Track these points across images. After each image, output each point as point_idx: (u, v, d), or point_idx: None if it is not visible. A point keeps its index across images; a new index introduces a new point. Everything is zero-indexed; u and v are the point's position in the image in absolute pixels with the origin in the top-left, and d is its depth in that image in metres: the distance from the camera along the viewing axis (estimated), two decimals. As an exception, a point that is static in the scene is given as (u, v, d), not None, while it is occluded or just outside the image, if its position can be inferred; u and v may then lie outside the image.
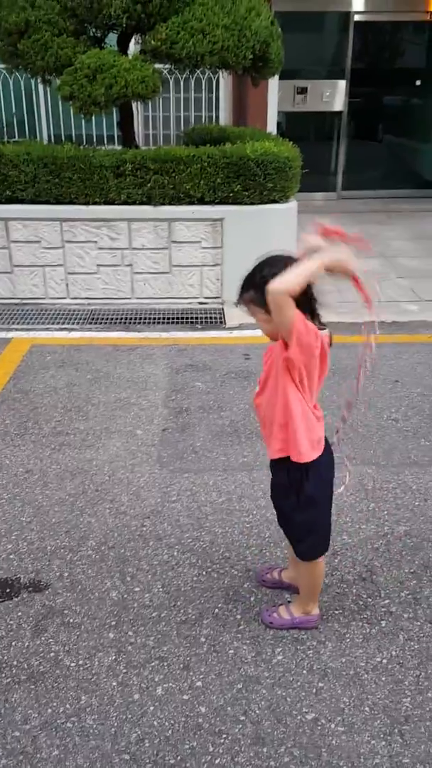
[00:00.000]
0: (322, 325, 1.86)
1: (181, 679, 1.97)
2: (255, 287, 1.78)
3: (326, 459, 1.95)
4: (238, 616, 2.20)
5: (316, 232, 1.77)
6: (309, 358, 1.80)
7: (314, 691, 1.95)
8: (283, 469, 1.94)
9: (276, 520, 2.14)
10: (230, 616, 2.20)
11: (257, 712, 1.88)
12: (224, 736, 1.82)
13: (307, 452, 1.88)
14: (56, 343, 4.55)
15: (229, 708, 1.89)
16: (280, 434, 1.89)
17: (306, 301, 1.78)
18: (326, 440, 1.97)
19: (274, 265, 1.76)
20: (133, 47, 5.49)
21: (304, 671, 2.01)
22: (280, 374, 1.86)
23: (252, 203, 5.05)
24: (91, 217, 5.08)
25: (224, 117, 8.29)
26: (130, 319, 5.03)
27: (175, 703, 1.90)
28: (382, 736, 1.82)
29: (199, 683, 1.96)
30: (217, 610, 2.22)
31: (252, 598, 2.27)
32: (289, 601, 2.22)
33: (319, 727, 1.84)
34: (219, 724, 1.85)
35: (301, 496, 1.93)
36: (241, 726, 1.84)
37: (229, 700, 1.91)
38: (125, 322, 4.96)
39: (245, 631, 2.14)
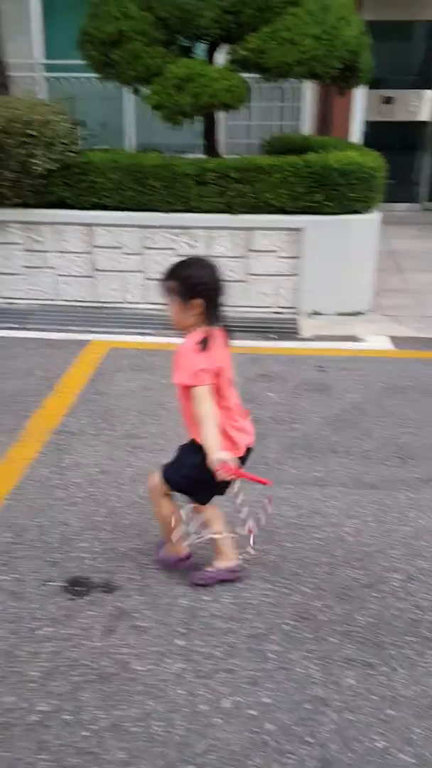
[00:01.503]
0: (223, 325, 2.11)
1: (249, 694, 1.96)
2: (178, 279, 2.04)
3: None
4: (308, 635, 2.16)
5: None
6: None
7: (384, 718, 1.89)
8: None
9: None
10: (299, 634, 2.16)
11: (325, 734, 1.84)
12: (290, 756, 1.78)
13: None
14: (132, 347, 4.63)
15: (296, 728, 1.86)
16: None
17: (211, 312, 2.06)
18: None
19: (204, 267, 2.06)
20: (220, 57, 5.55)
21: (375, 697, 1.95)
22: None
23: (333, 213, 5.00)
24: (171, 224, 5.16)
25: (307, 126, 8.26)
26: (205, 325, 5.06)
27: (242, 717, 1.89)
28: (455, 773, 1.74)
29: (266, 699, 1.94)
30: (286, 627, 2.19)
31: (323, 617, 2.22)
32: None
33: (388, 756, 1.78)
34: (285, 743, 1.82)
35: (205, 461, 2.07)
36: (308, 748, 1.80)
37: (297, 720, 1.88)
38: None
39: (315, 651, 2.10)
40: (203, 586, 2.34)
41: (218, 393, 2.11)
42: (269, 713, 1.90)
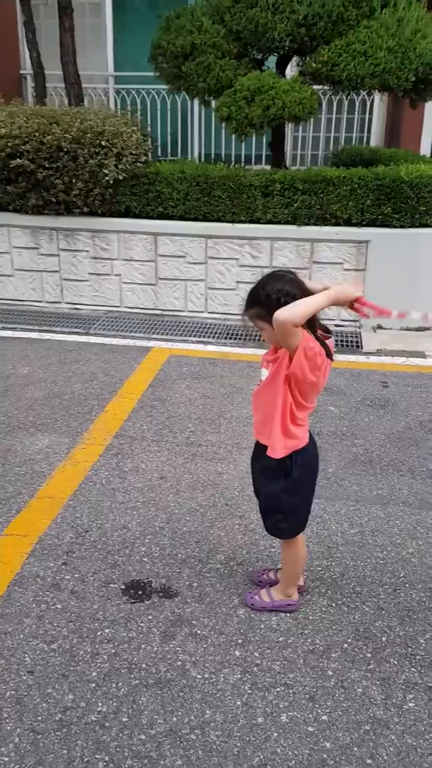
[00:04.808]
0: (327, 334, 2.00)
1: (307, 710, 1.93)
2: (260, 303, 1.93)
3: (312, 451, 2.15)
4: (368, 655, 2.12)
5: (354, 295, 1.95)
6: (313, 370, 1.92)
7: (447, 747, 1.83)
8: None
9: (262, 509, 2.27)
10: (359, 653, 2.12)
11: (385, 757, 1.80)
12: (349, 777, 1.75)
13: (282, 452, 2.06)
14: (193, 355, 4.67)
15: (355, 748, 1.82)
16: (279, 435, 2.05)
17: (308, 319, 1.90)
18: (311, 435, 2.15)
19: (278, 280, 1.92)
20: (290, 69, 5.57)
21: (437, 724, 1.90)
22: (279, 383, 1.99)
23: (402, 226, 4.93)
24: (235, 234, 5.19)
25: (376, 138, 8.19)
26: (266, 336, 5.06)
27: (300, 733, 1.86)
28: None
29: (324, 717, 1.91)
30: (346, 645, 2.15)
31: (384, 638, 2.18)
32: (270, 586, 2.34)
33: (451, 788, 1.73)
34: (344, 763, 1.78)
35: (289, 479, 2.10)
36: (367, 770, 1.77)
37: (356, 740, 1.84)
38: (260, 339, 4.99)
39: (375, 672, 2.06)
40: (252, 608, 2.31)
41: (314, 390, 2.02)
42: (328, 731, 1.87)
